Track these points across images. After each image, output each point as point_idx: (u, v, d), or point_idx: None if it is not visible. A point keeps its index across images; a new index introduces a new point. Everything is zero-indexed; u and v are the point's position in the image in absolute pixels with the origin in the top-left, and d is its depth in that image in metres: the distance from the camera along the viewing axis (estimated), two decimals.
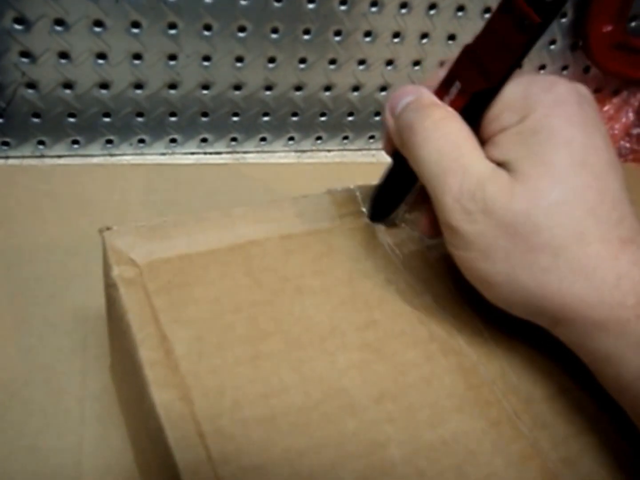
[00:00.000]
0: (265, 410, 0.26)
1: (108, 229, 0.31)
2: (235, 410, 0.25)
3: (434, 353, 0.29)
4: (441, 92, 0.28)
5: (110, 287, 0.30)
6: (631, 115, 0.60)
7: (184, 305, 0.29)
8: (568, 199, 0.24)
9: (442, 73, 0.28)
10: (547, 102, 0.25)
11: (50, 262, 0.43)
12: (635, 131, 0.61)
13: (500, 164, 0.26)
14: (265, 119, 0.55)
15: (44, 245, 0.44)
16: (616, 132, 0.59)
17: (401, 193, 0.32)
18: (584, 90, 0.27)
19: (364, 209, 0.34)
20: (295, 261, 0.31)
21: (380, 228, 0.34)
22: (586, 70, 0.60)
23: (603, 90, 0.62)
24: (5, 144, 0.51)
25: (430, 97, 0.28)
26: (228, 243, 0.32)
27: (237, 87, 0.53)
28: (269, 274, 0.31)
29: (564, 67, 0.59)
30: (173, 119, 0.53)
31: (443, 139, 0.27)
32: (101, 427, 0.36)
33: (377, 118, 0.58)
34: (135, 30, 0.48)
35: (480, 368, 0.29)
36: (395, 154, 0.30)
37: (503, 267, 0.25)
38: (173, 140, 0.55)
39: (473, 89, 0.27)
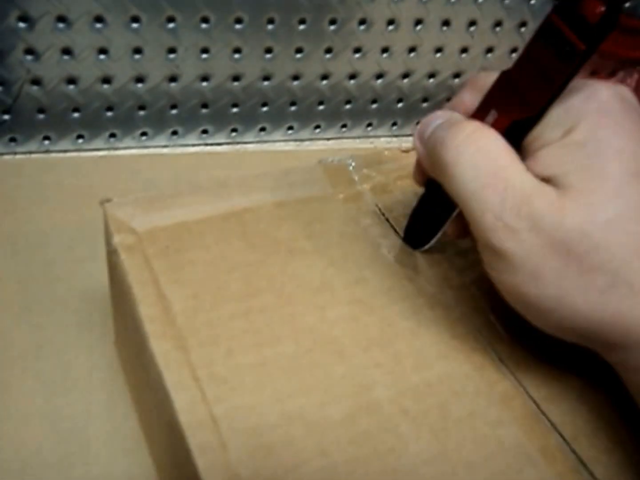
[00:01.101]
0: (257, 357, 0.27)
1: (108, 200, 0.32)
2: (228, 358, 0.27)
3: (421, 307, 0.30)
4: (476, 119, 0.26)
5: (111, 254, 0.31)
6: None
7: (181, 267, 0.30)
8: (624, 213, 0.23)
9: (467, 96, 0.27)
10: (591, 113, 0.24)
11: (58, 247, 0.45)
12: None
13: (545, 180, 0.24)
14: (264, 109, 0.57)
15: (52, 231, 0.46)
16: None
17: (438, 222, 0.30)
18: (626, 92, 0.25)
19: (356, 177, 0.36)
20: (288, 226, 0.33)
21: (369, 192, 0.35)
22: None
23: (600, 72, 0.62)
24: (13, 140, 0.53)
25: (461, 116, 0.27)
26: (223, 211, 0.33)
27: (236, 79, 0.54)
28: (262, 238, 0.32)
29: None
30: (174, 111, 0.55)
31: (478, 153, 0.24)
32: (107, 395, 0.37)
33: (374, 106, 0.60)
34: (135, 25, 0.50)
35: (467, 319, 0.30)
36: (428, 182, 0.30)
37: (554, 291, 0.23)
38: (174, 133, 0.56)
39: (512, 117, 0.25)
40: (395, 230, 0.33)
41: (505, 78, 0.26)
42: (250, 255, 0.31)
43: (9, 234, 0.45)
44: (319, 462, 0.24)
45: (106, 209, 0.32)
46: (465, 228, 0.29)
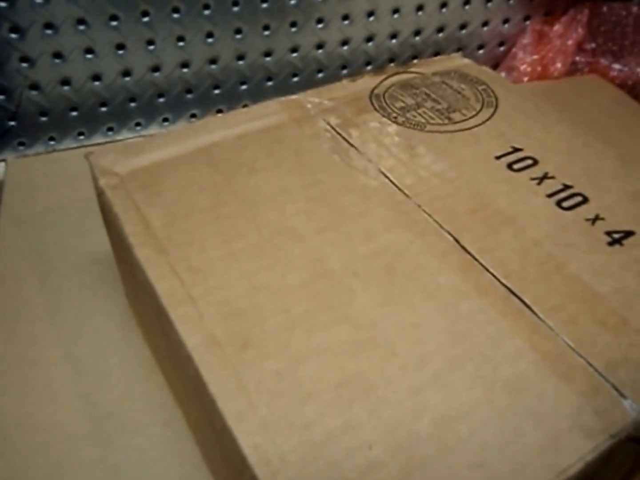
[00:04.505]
0: (226, 250, 0.31)
1: (91, 153, 0.37)
2: (201, 253, 0.31)
3: (369, 195, 0.34)
4: None
5: (100, 196, 0.36)
6: (581, 30, 0.64)
7: (158, 194, 0.35)
8: None
9: None
10: None
11: (69, 223, 0.50)
12: (589, 46, 0.65)
13: None
14: (243, 87, 0.62)
15: (62, 210, 0.51)
16: (569, 48, 0.64)
17: None
18: None
19: (309, 106, 0.40)
20: (250, 151, 0.37)
21: (321, 115, 0.39)
22: None
23: (553, 12, 0.66)
24: (21, 144, 0.59)
25: None
26: (193, 148, 0.37)
27: (213, 61, 0.59)
28: (227, 163, 0.36)
29: None
30: (161, 99, 0.60)
31: None
32: (122, 334, 0.42)
33: (345, 72, 0.64)
34: (114, 23, 0.55)
35: (410, 200, 0.33)
36: None
37: None
38: (165, 120, 0.61)
39: None
40: (345, 140, 0.37)
41: None
42: (217, 177, 0.35)
43: (22, 218, 0.50)
44: (281, 316, 0.28)
45: (91, 160, 0.36)
46: None
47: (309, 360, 0.26)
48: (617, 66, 0.61)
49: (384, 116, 0.39)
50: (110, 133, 0.61)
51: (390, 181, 0.35)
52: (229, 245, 0.31)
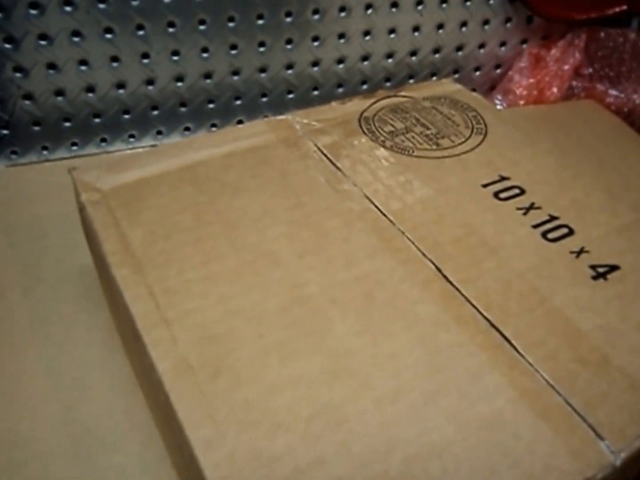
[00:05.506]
0: (204, 272, 0.31)
1: (74, 169, 0.37)
2: (180, 275, 0.30)
3: (352, 220, 0.33)
4: None
5: (81, 211, 0.36)
6: (578, 55, 0.64)
7: (139, 212, 0.34)
8: None
9: None
10: None
11: (58, 234, 0.50)
12: (586, 71, 0.64)
13: None
14: (238, 102, 0.61)
15: (51, 221, 0.51)
16: (565, 72, 0.64)
17: None
18: None
19: (297, 127, 0.40)
20: (235, 171, 0.37)
21: (309, 136, 0.39)
22: (529, 20, 0.64)
23: (551, 36, 0.66)
24: (14, 152, 0.58)
25: None
26: (177, 166, 0.37)
27: (207, 76, 0.59)
28: (211, 182, 0.36)
29: (507, 20, 0.64)
30: (155, 112, 0.60)
31: None
32: (105, 350, 0.41)
33: (340, 90, 0.64)
34: (109, 36, 0.55)
35: (395, 226, 0.33)
36: None
37: None
38: (159, 132, 0.61)
39: None
40: (333, 164, 0.37)
41: None
42: (200, 196, 0.35)
43: (11, 227, 0.50)
44: (255, 344, 0.27)
45: (74, 175, 0.36)
46: None
47: (281, 391, 0.26)
48: (613, 92, 0.61)
49: (372, 140, 0.39)
50: (103, 144, 0.60)
51: (375, 206, 0.34)
52: (208, 267, 0.31)
